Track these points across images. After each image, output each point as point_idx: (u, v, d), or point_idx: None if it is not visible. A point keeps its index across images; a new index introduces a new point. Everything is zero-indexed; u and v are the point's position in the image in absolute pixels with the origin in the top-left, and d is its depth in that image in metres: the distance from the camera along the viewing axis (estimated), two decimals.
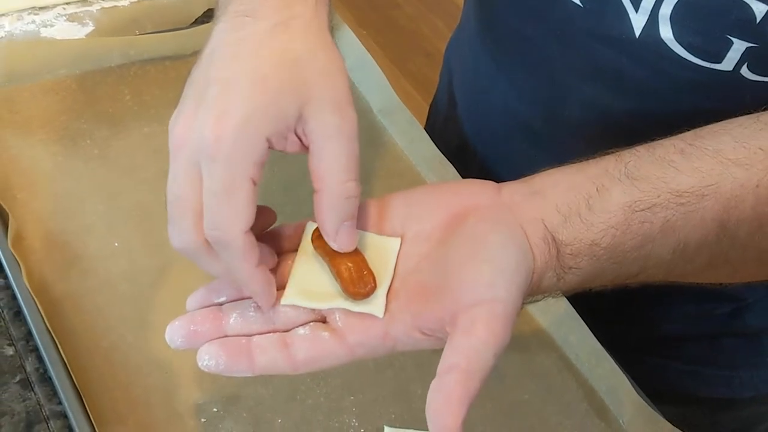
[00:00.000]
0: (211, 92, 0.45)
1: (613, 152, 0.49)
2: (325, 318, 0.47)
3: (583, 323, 0.67)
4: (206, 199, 0.44)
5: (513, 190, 0.48)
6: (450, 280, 0.44)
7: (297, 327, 0.47)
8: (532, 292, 0.46)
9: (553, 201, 0.46)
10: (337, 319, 0.46)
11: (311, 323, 0.47)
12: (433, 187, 0.50)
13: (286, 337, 0.46)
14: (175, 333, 0.46)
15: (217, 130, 0.43)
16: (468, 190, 0.49)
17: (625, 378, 0.66)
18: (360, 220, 0.48)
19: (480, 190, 0.49)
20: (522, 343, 0.68)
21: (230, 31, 0.47)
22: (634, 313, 0.77)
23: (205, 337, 0.46)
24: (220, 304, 0.48)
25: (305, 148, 0.46)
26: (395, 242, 0.48)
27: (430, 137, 0.80)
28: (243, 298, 0.47)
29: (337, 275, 0.46)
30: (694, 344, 0.78)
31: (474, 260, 0.44)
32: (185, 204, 0.45)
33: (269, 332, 0.46)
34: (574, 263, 0.46)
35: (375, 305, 0.46)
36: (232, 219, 0.44)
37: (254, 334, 0.46)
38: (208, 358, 0.45)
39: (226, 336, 0.46)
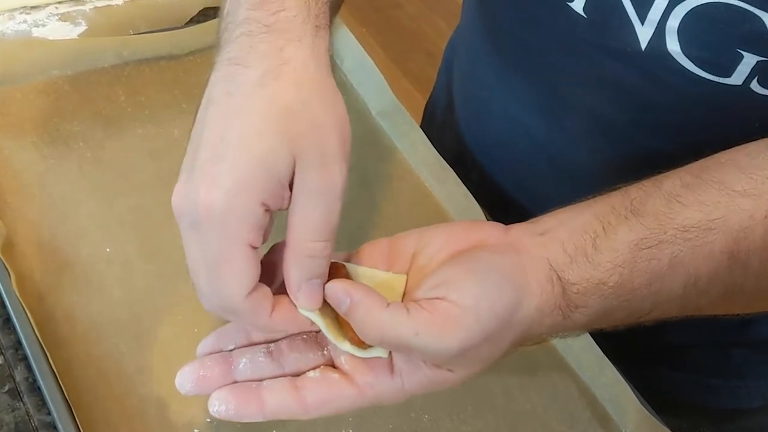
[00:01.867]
0: (201, 157, 0.44)
1: (620, 188, 0.48)
2: (333, 362, 0.47)
3: (586, 331, 0.66)
4: (203, 271, 0.44)
5: (521, 231, 0.48)
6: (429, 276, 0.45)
7: (307, 371, 0.46)
8: (531, 328, 0.45)
9: (559, 241, 0.46)
10: (344, 362, 0.46)
11: (321, 366, 0.46)
12: (444, 225, 0.50)
13: (296, 381, 0.46)
14: (184, 379, 0.46)
15: (207, 200, 0.42)
16: (478, 228, 0.48)
17: (628, 387, 0.65)
18: (371, 257, 0.48)
19: (489, 228, 0.48)
20: (524, 351, 0.67)
21: (221, 83, 0.45)
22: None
23: (215, 383, 0.46)
24: (231, 350, 0.47)
25: None
26: (401, 279, 0.47)
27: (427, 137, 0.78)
28: (253, 344, 0.47)
29: (342, 323, 0.46)
30: (701, 353, 0.77)
31: (456, 266, 0.45)
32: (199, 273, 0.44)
33: (279, 377, 0.46)
34: (582, 302, 0.45)
35: (380, 349, 0.45)
36: (230, 288, 0.43)
37: (264, 379, 0.46)
38: (218, 404, 0.45)
39: (235, 382, 0.46)
